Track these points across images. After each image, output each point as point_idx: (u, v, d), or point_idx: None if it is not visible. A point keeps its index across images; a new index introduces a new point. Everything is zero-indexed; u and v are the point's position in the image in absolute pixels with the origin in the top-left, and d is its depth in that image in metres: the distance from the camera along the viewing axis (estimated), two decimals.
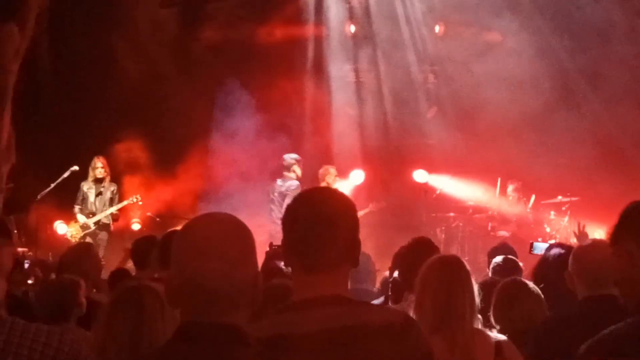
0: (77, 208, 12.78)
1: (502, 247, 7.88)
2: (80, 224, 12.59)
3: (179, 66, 14.61)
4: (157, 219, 13.01)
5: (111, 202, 12.76)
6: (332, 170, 13.49)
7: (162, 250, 5.86)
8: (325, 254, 2.78)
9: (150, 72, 13.89)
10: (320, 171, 13.50)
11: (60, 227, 13.11)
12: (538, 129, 14.45)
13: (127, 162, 13.47)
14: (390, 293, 5.75)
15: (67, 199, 12.76)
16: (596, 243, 4.43)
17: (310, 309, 2.74)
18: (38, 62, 14.16)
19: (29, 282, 9.30)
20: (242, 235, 2.54)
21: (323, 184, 13.21)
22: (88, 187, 12.81)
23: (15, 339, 1.23)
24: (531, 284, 5.10)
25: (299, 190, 11.98)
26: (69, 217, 12.91)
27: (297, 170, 12.92)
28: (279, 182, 12.88)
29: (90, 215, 12.62)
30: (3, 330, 1.29)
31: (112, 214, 12.75)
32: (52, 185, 12.38)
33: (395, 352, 2.68)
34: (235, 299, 2.44)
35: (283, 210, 3.44)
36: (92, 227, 12.57)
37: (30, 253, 11.01)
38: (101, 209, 12.69)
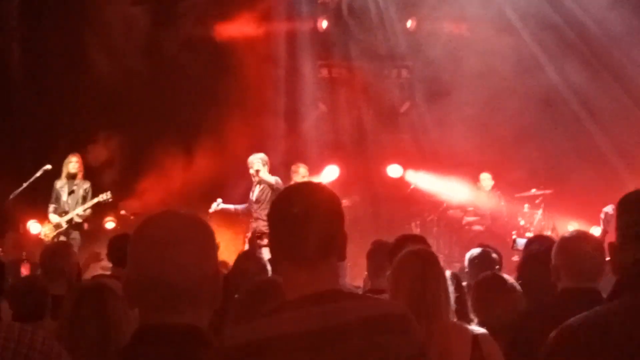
0: (51, 207, 12.51)
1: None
2: (54, 224, 12.43)
3: (152, 64, 14.51)
4: (132, 217, 12.92)
5: (84, 201, 12.49)
6: (302, 170, 13.37)
7: None
8: (304, 247, 2.73)
9: (122, 70, 13.79)
10: (292, 168, 13.46)
11: (34, 227, 13.00)
12: (512, 123, 14.48)
13: (100, 161, 13.34)
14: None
15: (41, 199, 12.62)
16: (581, 234, 4.43)
17: (297, 309, 2.68)
18: (9, 60, 14.06)
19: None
20: (203, 232, 2.51)
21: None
22: (61, 185, 12.56)
23: None
24: (510, 279, 5.10)
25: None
26: (43, 217, 12.80)
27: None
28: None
29: (63, 214, 12.42)
30: None
31: (80, 215, 12.49)
32: (25, 184, 12.24)
33: (390, 346, 2.63)
34: (196, 296, 2.40)
35: None
36: (65, 226, 12.37)
37: (1, 253, 10.91)
38: (74, 207, 12.45)
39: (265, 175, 12.14)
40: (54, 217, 12.45)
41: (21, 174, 12.53)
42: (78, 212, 12.41)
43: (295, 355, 2.57)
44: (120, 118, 14.32)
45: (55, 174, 12.58)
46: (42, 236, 12.32)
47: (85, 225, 12.61)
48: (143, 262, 2.42)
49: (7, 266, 6.92)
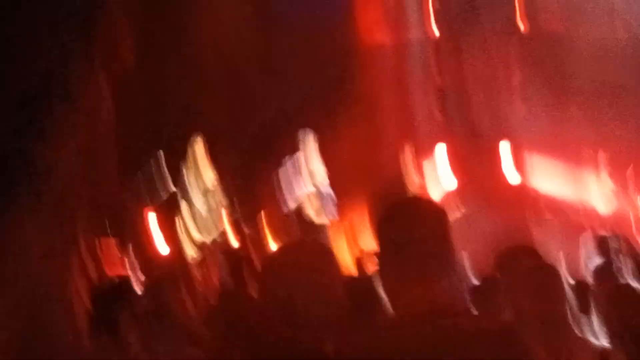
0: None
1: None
2: None
3: (260, 32, 14.51)
4: None
5: None
6: None
7: None
8: None
9: (229, 56, 13.85)
10: None
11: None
12: (631, 96, 13.92)
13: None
14: None
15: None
16: None
17: None
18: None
19: None
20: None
21: None
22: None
23: None
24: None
25: None
26: None
27: None
28: None
29: None
30: None
31: None
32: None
33: None
34: None
35: None
36: None
37: None
38: None
39: None
40: None
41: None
42: None
43: None
44: (230, 101, 14.41)
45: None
46: None
47: None
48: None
49: None
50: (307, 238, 10.07)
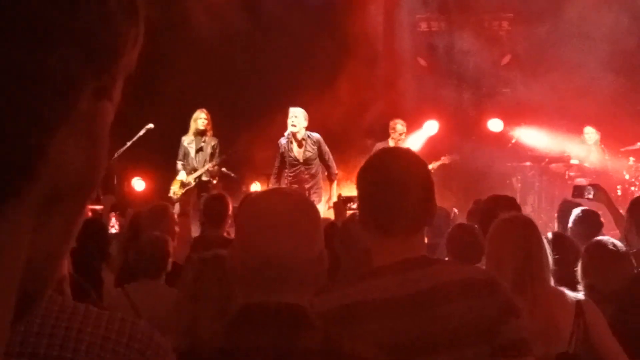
0: (179, 164, 12.36)
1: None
2: (181, 182, 12.27)
3: (252, 23, 14.51)
4: (233, 175, 12.93)
5: (211, 158, 12.33)
6: (399, 126, 13.00)
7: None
8: (401, 219, 2.76)
9: (223, 31, 13.83)
10: (390, 124, 13.17)
11: (138, 184, 13.22)
12: (618, 75, 14.02)
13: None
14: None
15: (143, 156, 12.77)
16: None
17: (388, 275, 2.73)
18: None
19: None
20: (309, 211, 2.50)
21: (390, 140, 12.92)
22: (189, 142, 12.38)
23: (89, 327, 1.16)
24: (621, 245, 5.02)
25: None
26: (146, 174, 12.99)
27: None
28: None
29: (192, 172, 12.29)
30: (76, 317, 1.18)
31: (209, 170, 12.29)
32: (128, 143, 12.37)
33: (478, 309, 2.65)
34: (301, 277, 2.41)
35: None
36: (193, 184, 12.22)
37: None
38: (202, 165, 12.28)
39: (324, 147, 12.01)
40: (182, 175, 12.30)
41: (125, 132, 12.63)
42: (205, 170, 12.25)
43: (382, 321, 2.64)
44: (222, 78, 14.41)
45: (157, 131, 12.59)
46: (171, 194, 12.16)
47: (215, 181, 12.46)
48: (252, 244, 2.42)
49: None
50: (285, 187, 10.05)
